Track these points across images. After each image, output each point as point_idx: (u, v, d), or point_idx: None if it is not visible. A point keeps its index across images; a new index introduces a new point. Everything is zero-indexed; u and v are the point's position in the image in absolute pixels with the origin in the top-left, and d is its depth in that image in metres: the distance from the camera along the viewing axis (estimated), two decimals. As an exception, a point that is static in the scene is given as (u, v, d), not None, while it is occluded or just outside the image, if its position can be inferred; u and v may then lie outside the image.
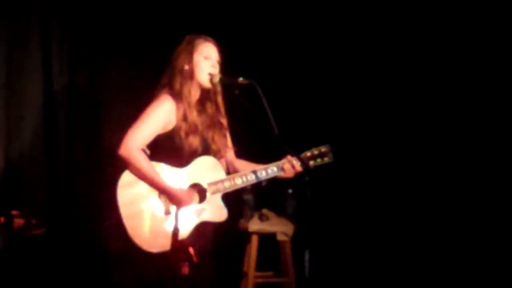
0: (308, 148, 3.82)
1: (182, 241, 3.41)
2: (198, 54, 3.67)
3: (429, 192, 5.06)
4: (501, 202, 4.84)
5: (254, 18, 5.31)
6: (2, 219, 3.88)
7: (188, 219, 3.58)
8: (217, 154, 3.74)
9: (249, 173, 3.71)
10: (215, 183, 3.66)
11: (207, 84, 3.67)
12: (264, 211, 5.12)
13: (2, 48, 4.56)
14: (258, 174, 3.71)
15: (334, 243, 5.22)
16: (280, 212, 5.17)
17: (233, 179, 3.70)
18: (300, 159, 3.65)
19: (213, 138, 3.73)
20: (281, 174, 3.74)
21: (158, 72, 3.78)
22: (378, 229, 5.20)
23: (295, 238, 5.04)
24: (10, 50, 4.58)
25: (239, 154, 3.88)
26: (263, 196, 5.07)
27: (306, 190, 3.43)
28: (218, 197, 3.67)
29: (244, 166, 3.80)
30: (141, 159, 3.55)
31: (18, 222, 3.90)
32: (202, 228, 3.63)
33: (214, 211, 3.66)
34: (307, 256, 3.41)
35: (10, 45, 4.58)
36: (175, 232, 3.33)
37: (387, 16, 5.20)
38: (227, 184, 3.68)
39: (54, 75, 4.73)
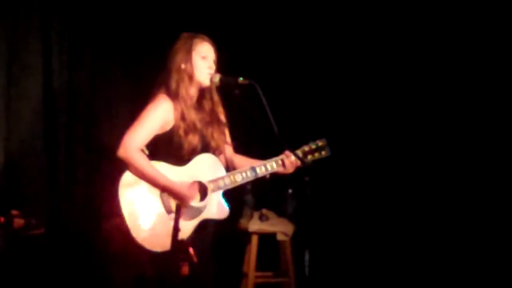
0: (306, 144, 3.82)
1: (182, 241, 3.41)
2: (196, 54, 3.66)
3: (428, 191, 5.07)
4: (501, 201, 4.84)
5: (254, 18, 5.31)
6: (2, 219, 3.88)
7: (189, 218, 3.59)
8: (216, 151, 3.73)
9: (249, 170, 3.71)
10: (216, 180, 3.66)
11: (205, 82, 3.67)
12: (264, 211, 5.12)
13: (2, 48, 4.55)
14: (258, 170, 3.71)
15: (334, 243, 5.22)
16: (280, 212, 5.17)
17: (233, 175, 3.70)
18: (299, 158, 3.66)
19: (212, 135, 3.72)
20: (280, 169, 3.74)
21: (157, 72, 3.78)
22: (378, 228, 5.21)
23: (295, 238, 5.05)
24: (10, 50, 4.58)
25: (238, 151, 3.88)
26: (263, 196, 5.08)
27: (306, 190, 3.43)
28: (219, 194, 3.67)
29: (243, 161, 3.79)
30: (140, 159, 3.55)
31: (18, 222, 3.90)
32: (203, 227, 3.63)
33: (216, 208, 3.66)
34: (307, 256, 3.41)
35: (10, 45, 4.58)
36: (175, 232, 3.33)
37: (384, 15, 5.20)
38: (227, 181, 3.68)
39: (54, 75, 4.73)
